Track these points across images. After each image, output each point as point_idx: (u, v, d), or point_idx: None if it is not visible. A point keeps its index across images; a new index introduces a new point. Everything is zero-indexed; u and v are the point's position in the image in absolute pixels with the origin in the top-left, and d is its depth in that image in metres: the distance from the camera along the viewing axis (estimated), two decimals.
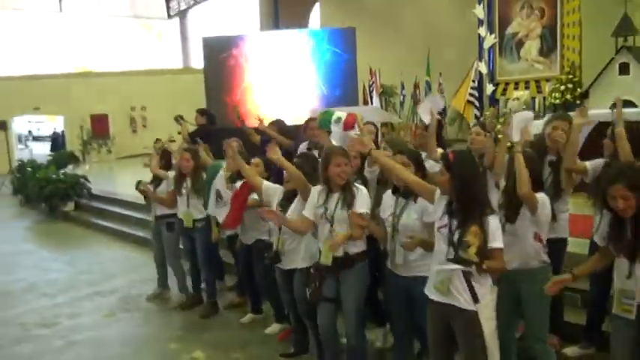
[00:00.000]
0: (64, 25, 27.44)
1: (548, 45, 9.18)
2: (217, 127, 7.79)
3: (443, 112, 8.83)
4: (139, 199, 6.60)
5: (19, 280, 6.81)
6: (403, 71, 12.75)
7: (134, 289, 6.21)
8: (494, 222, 2.74)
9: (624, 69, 7.92)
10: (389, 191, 3.46)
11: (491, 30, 9.86)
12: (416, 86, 12.66)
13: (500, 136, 4.12)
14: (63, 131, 21.47)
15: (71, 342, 4.88)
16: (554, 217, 3.34)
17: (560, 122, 3.78)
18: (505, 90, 9.72)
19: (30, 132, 32.60)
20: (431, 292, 2.90)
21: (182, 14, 28.44)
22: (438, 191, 2.98)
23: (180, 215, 5.30)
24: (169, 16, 28.75)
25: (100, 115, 19.95)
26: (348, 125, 4.32)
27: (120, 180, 14.65)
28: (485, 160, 3.85)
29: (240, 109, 6.28)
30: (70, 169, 13.99)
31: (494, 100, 9.71)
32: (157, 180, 5.61)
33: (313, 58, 11.49)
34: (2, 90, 18.23)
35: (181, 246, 5.66)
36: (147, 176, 5.84)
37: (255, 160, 4.51)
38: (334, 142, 4.27)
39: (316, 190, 3.60)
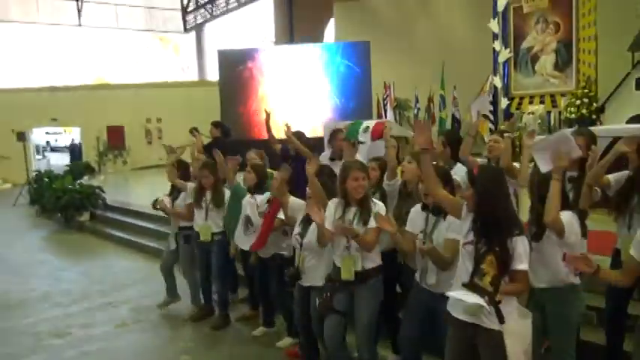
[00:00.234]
0: (83, 39, 27.95)
1: (564, 59, 9.15)
2: (231, 139, 7.84)
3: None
4: (153, 210, 6.62)
5: (33, 289, 6.88)
6: (417, 85, 12.76)
7: (146, 300, 6.23)
8: (521, 243, 2.64)
9: None
10: (417, 207, 3.40)
11: (505, 44, 9.86)
12: (430, 100, 12.65)
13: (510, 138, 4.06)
14: (80, 142, 21.73)
15: (83, 352, 4.89)
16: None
17: (574, 137, 3.71)
18: (520, 104, 9.69)
19: (48, 143, 33.04)
20: (455, 311, 2.81)
21: (198, 28, 28.79)
22: (465, 206, 2.87)
23: (196, 228, 5.27)
24: (186, 30, 29.12)
25: (116, 126, 20.17)
26: (376, 134, 4.30)
27: (135, 191, 14.77)
28: (501, 162, 3.81)
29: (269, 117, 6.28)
30: (85, 179, 14.16)
31: (508, 114, 9.67)
32: (174, 192, 5.64)
33: (327, 71, 11.56)
34: (21, 102, 18.53)
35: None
36: (161, 187, 5.86)
37: (277, 175, 4.50)
38: (360, 156, 4.26)
39: (333, 203, 3.59)
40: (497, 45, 9.97)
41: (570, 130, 4.05)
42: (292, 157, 5.93)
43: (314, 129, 8.86)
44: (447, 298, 2.82)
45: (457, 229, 2.97)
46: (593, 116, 8.12)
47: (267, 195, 4.56)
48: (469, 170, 2.91)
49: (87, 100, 19.65)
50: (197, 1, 27.77)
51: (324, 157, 5.59)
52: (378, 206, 3.49)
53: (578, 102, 8.40)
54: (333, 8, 17.20)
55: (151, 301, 6.11)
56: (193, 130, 7.51)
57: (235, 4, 25.90)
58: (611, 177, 3.47)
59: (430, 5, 15.54)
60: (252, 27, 27.50)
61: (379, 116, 12.31)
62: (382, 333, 4.01)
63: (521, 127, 9.08)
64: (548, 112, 9.30)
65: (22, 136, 14.47)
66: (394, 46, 15.02)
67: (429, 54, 14.26)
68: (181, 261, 5.64)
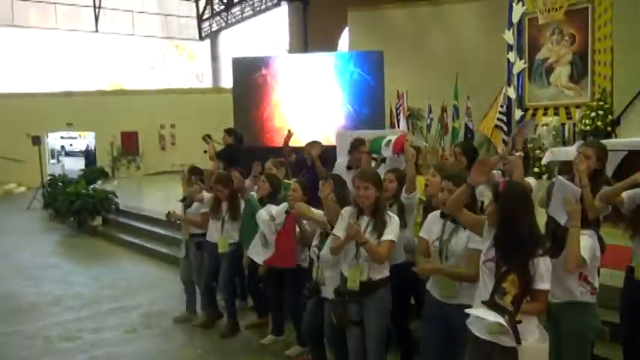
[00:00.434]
0: (100, 45, 28.33)
1: (579, 71, 9.10)
2: (244, 146, 7.87)
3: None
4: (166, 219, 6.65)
5: (45, 292, 6.92)
6: (430, 95, 12.74)
7: (156, 305, 6.24)
8: (543, 264, 2.61)
9: None
10: (436, 213, 3.33)
11: (520, 55, 9.83)
12: (443, 110, 12.63)
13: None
14: (95, 146, 21.95)
15: (93, 357, 4.91)
16: None
17: (583, 149, 3.62)
18: (534, 115, 9.63)
19: (63, 147, 33.39)
20: (475, 328, 2.76)
21: (213, 36, 29.02)
22: (486, 223, 2.82)
23: (214, 240, 5.25)
24: (201, 38, 29.38)
25: (130, 132, 20.37)
26: (398, 147, 4.26)
27: (147, 196, 14.85)
28: (513, 178, 3.78)
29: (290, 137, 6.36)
30: (99, 184, 14.27)
31: (522, 122, 9.61)
32: (187, 199, 5.67)
33: (340, 80, 11.60)
34: (37, 106, 18.79)
35: None
36: (174, 193, 5.88)
37: (294, 186, 4.49)
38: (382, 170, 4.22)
39: (347, 211, 3.57)
40: (511, 56, 9.94)
41: (578, 143, 3.97)
42: (308, 168, 5.95)
43: (327, 137, 8.85)
44: (463, 312, 2.79)
45: (479, 239, 2.94)
46: (609, 128, 8.05)
47: (284, 206, 4.52)
48: (494, 185, 2.87)
49: (102, 105, 19.88)
50: (213, 9, 28.04)
51: (341, 165, 5.57)
52: (393, 219, 3.46)
53: (593, 114, 8.35)
54: (348, 18, 17.25)
55: (161, 307, 6.12)
56: (206, 137, 7.58)
57: (250, 12, 26.10)
58: (624, 194, 3.38)
59: (444, 16, 15.53)
60: (266, 35, 27.70)
61: (392, 125, 12.30)
62: (392, 343, 3.99)
63: (535, 138, 9.01)
64: (563, 124, 9.24)
65: (37, 140, 14.65)
66: (408, 56, 15.03)
67: (442, 64, 14.25)
68: (193, 267, 5.65)
